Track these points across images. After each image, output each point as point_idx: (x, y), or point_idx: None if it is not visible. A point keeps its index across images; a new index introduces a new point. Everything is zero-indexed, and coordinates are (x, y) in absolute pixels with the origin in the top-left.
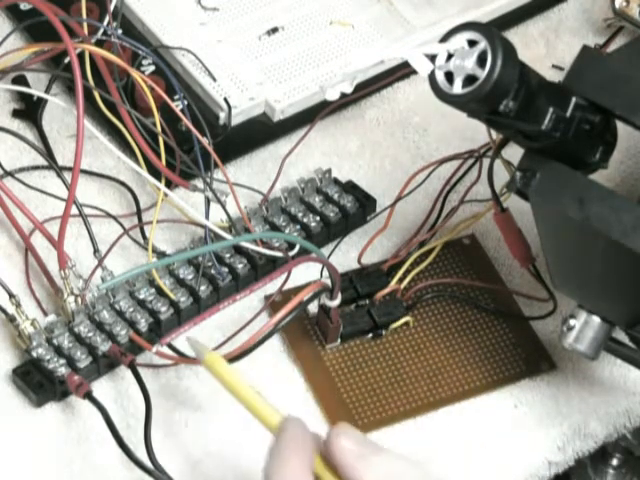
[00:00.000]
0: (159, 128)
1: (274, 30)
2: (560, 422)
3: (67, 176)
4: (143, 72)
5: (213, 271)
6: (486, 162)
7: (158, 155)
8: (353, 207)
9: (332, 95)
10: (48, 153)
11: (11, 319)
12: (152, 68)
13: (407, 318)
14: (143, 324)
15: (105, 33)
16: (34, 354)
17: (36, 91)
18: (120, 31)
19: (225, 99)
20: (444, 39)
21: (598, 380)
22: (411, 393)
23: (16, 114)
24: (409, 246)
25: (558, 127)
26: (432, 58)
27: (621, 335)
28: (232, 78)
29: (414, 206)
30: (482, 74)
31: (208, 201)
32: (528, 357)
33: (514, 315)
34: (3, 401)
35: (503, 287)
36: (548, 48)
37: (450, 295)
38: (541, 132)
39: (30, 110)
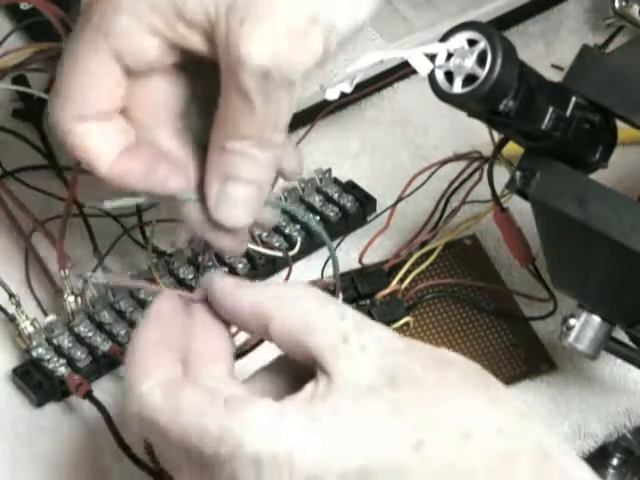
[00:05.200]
0: None
1: None
2: (560, 422)
3: (67, 176)
4: None
5: (213, 271)
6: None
7: None
8: (353, 207)
9: (332, 95)
10: (48, 153)
11: (11, 319)
12: None
13: (407, 318)
14: None
15: None
16: (34, 354)
17: (36, 91)
18: None
19: None
20: (444, 38)
21: (598, 380)
22: None
23: (16, 114)
24: (410, 246)
25: (558, 127)
26: (432, 58)
27: (621, 335)
28: None
29: (415, 206)
30: (482, 73)
31: None
32: (528, 358)
33: (514, 316)
34: (3, 401)
35: (503, 287)
36: (548, 48)
37: (451, 296)
38: (541, 132)
39: (30, 110)
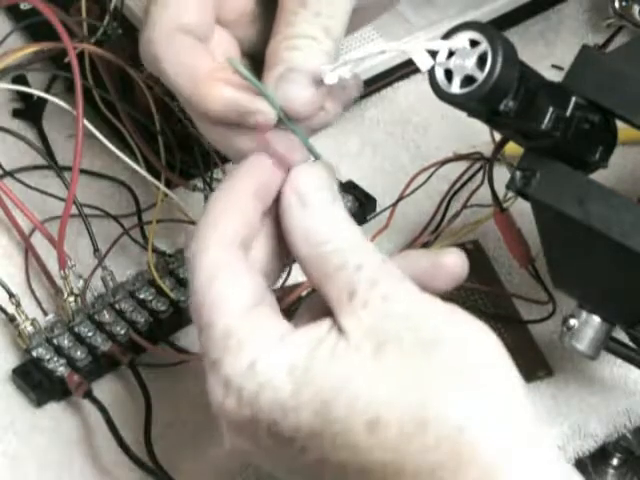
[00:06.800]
0: (159, 128)
1: None
2: (560, 422)
3: (67, 176)
4: (143, 72)
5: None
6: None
7: (158, 155)
8: (353, 207)
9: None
10: (48, 153)
11: (11, 319)
12: None
13: None
14: (143, 324)
15: (105, 33)
16: (34, 354)
17: (36, 91)
18: (120, 31)
19: None
20: (447, 36)
21: (598, 380)
22: None
23: (16, 114)
24: (410, 248)
25: (558, 127)
26: (433, 54)
27: (621, 335)
28: None
29: (415, 206)
30: (480, 76)
31: None
32: (526, 363)
33: (513, 320)
34: (3, 401)
35: (503, 291)
36: (548, 48)
37: (450, 298)
38: (541, 132)
39: (30, 110)
